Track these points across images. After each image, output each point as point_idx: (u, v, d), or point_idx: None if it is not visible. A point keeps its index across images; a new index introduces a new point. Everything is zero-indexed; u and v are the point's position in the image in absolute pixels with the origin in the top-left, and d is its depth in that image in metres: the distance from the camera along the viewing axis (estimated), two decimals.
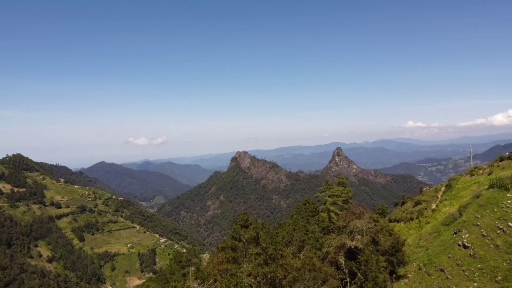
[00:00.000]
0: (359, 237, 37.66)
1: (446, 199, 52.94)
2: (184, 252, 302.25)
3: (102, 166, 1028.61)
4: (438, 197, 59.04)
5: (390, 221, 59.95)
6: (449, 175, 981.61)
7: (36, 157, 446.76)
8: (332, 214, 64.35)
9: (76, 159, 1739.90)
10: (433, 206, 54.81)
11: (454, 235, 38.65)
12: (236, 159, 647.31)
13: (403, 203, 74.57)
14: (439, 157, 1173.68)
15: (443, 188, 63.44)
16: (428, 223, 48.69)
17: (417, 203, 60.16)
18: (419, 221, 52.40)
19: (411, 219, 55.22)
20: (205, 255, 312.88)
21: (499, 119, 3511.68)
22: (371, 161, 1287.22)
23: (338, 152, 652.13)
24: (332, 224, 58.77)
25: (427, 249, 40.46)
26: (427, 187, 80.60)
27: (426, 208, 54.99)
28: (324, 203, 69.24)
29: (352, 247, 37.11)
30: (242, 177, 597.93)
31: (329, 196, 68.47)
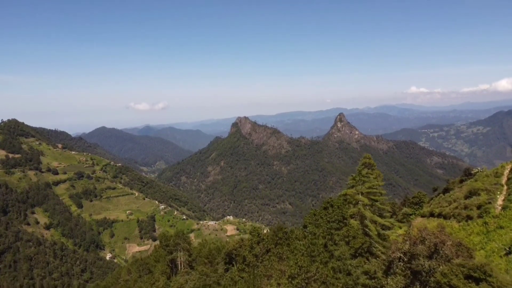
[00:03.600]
0: None
1: None
2: (183, 224, 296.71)
3: (102, 132, 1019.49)
4: (502, 185, 42.69)
5: (432, 215, 45.25)
6: (450, 140, 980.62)
7: (36, 123, 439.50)
8: (369, 223, 40.27)
9: (76, 124, 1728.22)
10: (500, 201, 39.37)
11: None
12: (237, 125, 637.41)
13: (446, 190, 56.42)
14: (441, 123, 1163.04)
15: (506, 172, 46.13)
16: (501, 227, 34.32)
17: (472, 192, 43.83)
18: (485, 223, 36.72)
19: (469, 217, 39.50)
20: (205, 221, 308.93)
21: (504, 84, 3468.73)
22: (373, 127, 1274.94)
23: (340, 118, 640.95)
24: (369, 238, 38.88)
25: None
26: (479, 168, 59.65)
27: (490, 202, 39.57)
28: (355, 204, 43.51)
29: None
30: (242, 143, 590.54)
31: (362, 194, 42.38)
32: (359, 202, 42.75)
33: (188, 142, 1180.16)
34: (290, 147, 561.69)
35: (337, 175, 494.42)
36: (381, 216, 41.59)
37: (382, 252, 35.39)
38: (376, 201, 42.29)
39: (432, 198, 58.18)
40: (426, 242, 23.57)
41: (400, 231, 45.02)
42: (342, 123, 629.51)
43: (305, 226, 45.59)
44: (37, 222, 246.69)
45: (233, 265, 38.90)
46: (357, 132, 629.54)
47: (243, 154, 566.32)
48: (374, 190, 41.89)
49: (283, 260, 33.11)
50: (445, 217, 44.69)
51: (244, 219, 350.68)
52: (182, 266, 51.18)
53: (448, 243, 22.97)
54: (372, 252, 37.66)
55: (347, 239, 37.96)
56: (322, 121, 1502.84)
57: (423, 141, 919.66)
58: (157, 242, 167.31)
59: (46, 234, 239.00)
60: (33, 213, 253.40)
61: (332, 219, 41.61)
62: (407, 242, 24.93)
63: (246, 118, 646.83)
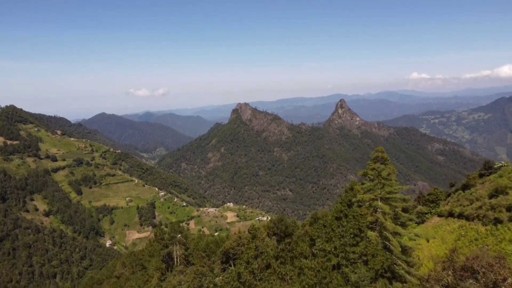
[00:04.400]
0: None
1: None
2: (183, 211, 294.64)
3: (102, 118, 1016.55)
4: None
5: (451, 214, 41.45)
6: (451, 127, 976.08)
7: (35, 109, 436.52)
8: (390, 236, 32.16)
9: (76, 110, 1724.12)
10: None
11: None
12: (237, 111, 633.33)
13: (465, 187, 51.20)
14: (442, 110, 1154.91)
15: None
16: None
17: (498, 190, 38.82)
18: None
19: (498, 220, 34.94)
20: (205, 208, 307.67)
21: (506, 70, 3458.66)
22: (374, 113, 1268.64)
23: (341, 104, 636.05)
24: (390, 254, 31.67)
25: None
26: (503, 162, 53.07)
27: None
28: (374, 212, 35.36)
29: None
30: (243, 129, 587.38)
31: (381, 200, 34.34)
32: (378, 209, 35.12)
33: (189, 128, 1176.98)
34: (290, 134, 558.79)
35: (338, 162, 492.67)
36: (403, 225, 34.55)
37: (406, 272, 30.09)
38: (399, 206, 34.70)
39: (449, 195, 53.43)
40: (479, 277, 18.25)
41: (416, 236, 39.35)
42: (343, 109, 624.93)
43: (312, 240, 37.30)
44: (36, 209, 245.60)
45: (230, 265, 36.09)
46: (358, 119, 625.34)
47: (244, 141, 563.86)
48: (396, 196, 34.49)
49: (286, 281, 28.59)
50: (467, 218, 39.99)
51: (244, 206, 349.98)
52: (178, 260, 48.96)
53: (509, 280, 17.57)
54: (394, 272, 31.29)
55: (365, 258, 31.35)
56: (322, 107, 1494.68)
57: (424, 128, 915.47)
58: (153, 234, 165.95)
59: (45, 221, 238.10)
60: (32, 200, 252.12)
61: (348, 232, 33.87)
62: (450, 272, 19.38)
63: (246, 104, 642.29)
